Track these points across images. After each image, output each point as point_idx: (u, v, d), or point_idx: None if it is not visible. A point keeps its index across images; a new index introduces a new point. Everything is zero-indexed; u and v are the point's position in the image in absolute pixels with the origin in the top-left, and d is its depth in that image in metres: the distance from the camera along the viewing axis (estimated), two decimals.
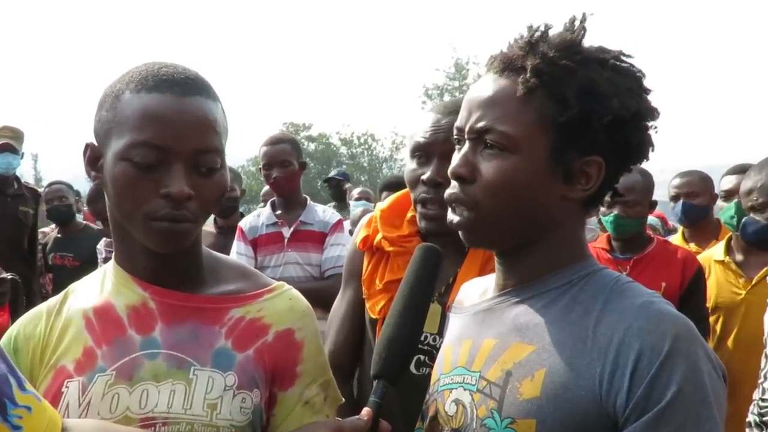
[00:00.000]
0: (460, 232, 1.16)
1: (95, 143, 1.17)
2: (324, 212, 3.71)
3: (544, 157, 1.07)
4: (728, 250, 3.17)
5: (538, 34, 1.10)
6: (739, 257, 3.12)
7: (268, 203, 3.77)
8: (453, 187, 1.13)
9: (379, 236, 1.87)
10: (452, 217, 1.14)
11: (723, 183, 3.38)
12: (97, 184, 1.17)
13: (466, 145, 1.12)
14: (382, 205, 1.97)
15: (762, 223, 2.39)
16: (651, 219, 5.78)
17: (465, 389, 1.13)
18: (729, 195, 3.24)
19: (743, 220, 2.53)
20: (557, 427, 1.00)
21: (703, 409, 0.96)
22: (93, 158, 1.17)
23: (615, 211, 2.99)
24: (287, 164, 3.59)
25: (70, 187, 5.36)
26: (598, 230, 4.03)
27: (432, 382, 1.24)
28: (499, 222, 1.10)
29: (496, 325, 1.14)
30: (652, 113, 1.11)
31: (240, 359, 1.16)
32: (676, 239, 3.89)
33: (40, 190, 5.49)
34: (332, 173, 7.90)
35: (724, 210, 3.18)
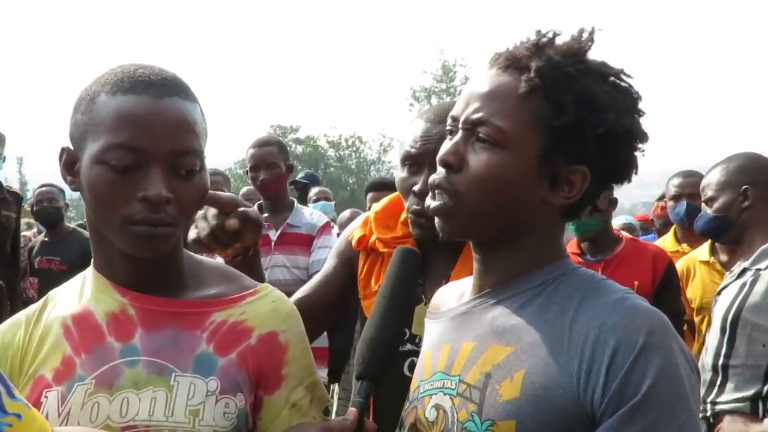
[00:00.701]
0: (435, 219, 1.16)
1: (71, 147, 1.15)
2: (311, 215, 3.70)
3: (534, 158, 1.08)
4: (713, 250, 3.19)
5: (546, 39, 1.12)
6: (723, 258, 3.14)
7: (255, 205, 3.75)
8: (438, 174, 1.14)
9: (373, 238, 1.89)
10: (430, 202, 1.15)
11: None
12: (74, 188, 1.15)
13: (459, 135, 1.12)
14: (376, 206, 1.99)
15: (710, 215, 2.53)
16: (629, 219, 5.76)
17: (445, 394, 1.13)
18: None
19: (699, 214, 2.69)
20: (536, 427, 1.00)
21: (678, 401, 0.97)
22: (69, 162, 1.15)
23: None
24: (274, 166, 3.58)
25: (61, 190, 5.31)
26: None
27: (412, 389, 1.24)
28: (476, 214, 1.11)
29: (474, 328, 1.15)
30: (642, 136, 1.13)
31: (222, 364, 1.14)
32: (667, 239, 3.90)
33: (27, 193, 5.44)
34: (299, 176, 7.74)
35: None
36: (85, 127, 1.10)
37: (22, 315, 1.23)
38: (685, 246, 3.72)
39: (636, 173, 1.17)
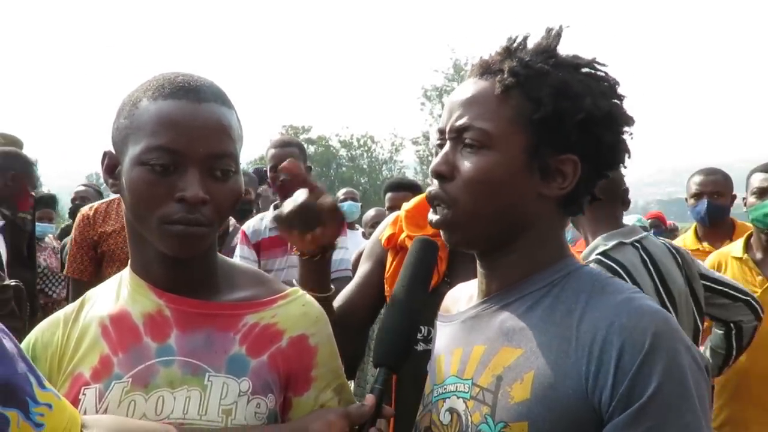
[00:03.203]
0: (441, 232, 1.18)
1: (113, 151, 1.18)
2: None
3: (521, 153, 1.11)
4: (747, 247, 3.15)
5: (516, 42, 1.16)
6: (758, 255, 3.10)
7: (271, 206, 3.77)
8: (433, 186, 1.16)
9: (403, 235, 1.90)
10: (432, 216, 1.18)
11: (753, 181, 3.29)
12: (114, 191, 1.18)
13: (447, 145, 1.16)
14: (407, 204, 2.01)
15: None
16: (641, 219, 5.70)
17: (458, 397, 1.14)
18: (762, 193, 3.15)
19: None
20: (548, 427, 1.02)
21: (683, 402, 0.98)
22: (111, 166, 1.19)
23: None
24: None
25: (98, 191, 5.59)
26: None
27: (425, 393, 1.26)
28: (475, 219, 1.13)
29: (484, 331, 1.16)
30: (627, 119, 1.15)
31: (254, 365, 1.17)
32: (688, 237, 3.85)
33: (49, 194, 5.70)
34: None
35: (756, 207, 3.09)
36: (126, 131, 1.14)
37: (60, 314, 1.26)
38: (705, 244, 3.69)
39: (629, 157, 1.18)
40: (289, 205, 1.49)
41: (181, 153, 1.10)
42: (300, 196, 1.49)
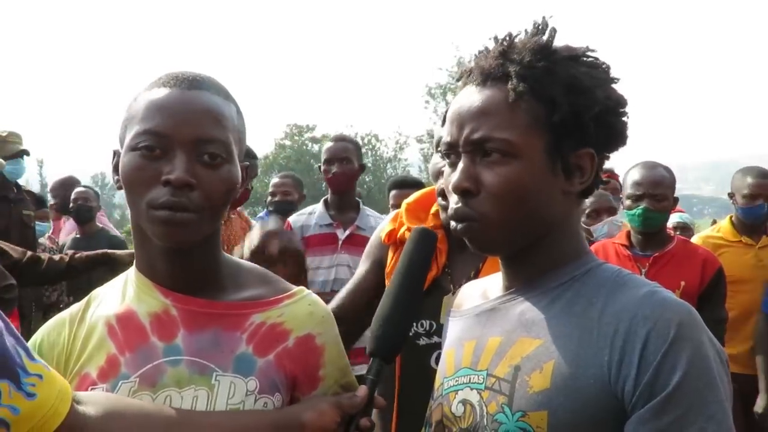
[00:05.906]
0: (466, 240, 1.16)
1: (120, 149, 1.19)
2: (376, 221, 3.68)
3: (543, 156, 1.10)
4: None
5: (506, 43, 1.14)
6: None
7: (321, 202, 3.75)
8: (457, 203, 1.13)
9: (403, 229, 1.91)
10: (456, 225, 1.14)
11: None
12: (119, 186, 1.18)
13: (464, 159, 1.12)
14: (409, 199, 2.02)
15: None
16: (684, 216, 5.66)
17: (472, 389, 1.14)
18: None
19: None
20: (569, 416, 1.02)
21: (708, 392, 0.98)
22: (116, 162, 1.19)
23: (643, 204, 2.99)
24: (347, 161, 3.62)
25: (96, 192, 5.78)
26: (621, 226, 3.98)
27: (435, 387, 1.25)
28: (506, 229, 1.12)
29: (500, 324, 1.16)
30: (625, 101, 1.16)
31: (261, 364, 1.17)
32: (725, 229, 3.91)
33: (48, 195, 5.88)
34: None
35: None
36: (125, 122, 1.16)
37: (65, 314, 1.26)
38: (746, 237, 3.80)
39: (628, 137, 1.18)
40: (246, 249, 1.51)
41: (168, 136, 1.10)
42: (254, 238, 1.51)
